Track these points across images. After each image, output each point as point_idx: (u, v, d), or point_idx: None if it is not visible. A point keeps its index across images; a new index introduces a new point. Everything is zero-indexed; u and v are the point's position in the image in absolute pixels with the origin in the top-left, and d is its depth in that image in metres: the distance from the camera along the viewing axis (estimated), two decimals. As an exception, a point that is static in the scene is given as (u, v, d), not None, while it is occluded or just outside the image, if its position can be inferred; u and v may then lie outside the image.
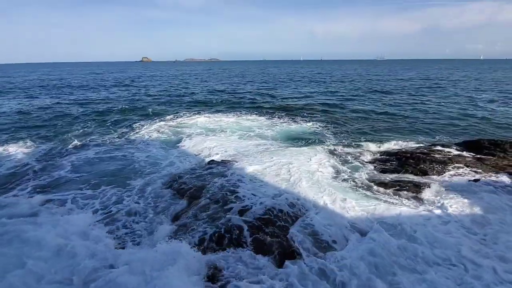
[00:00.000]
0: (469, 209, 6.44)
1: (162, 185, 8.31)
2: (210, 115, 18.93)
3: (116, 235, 5.90)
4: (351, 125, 16.25)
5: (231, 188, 7.42)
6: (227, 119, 17.74)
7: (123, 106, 22.37)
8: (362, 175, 8.59)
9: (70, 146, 12.27)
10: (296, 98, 27.41)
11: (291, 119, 17.72)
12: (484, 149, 10.02)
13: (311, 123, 16.60)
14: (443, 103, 23.15)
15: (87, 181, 8.64)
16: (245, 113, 19.53)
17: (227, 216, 6.09)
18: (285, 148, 11.74)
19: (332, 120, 17.44)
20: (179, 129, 15.14)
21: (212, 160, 10.01)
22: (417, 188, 7.36)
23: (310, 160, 9.92)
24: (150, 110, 20.98)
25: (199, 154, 11.16)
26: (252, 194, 7.11)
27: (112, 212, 6.85)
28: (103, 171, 9.56)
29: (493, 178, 7.97)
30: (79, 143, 12.58)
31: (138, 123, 16.79)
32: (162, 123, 16.76)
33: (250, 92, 32.61)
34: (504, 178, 7.92)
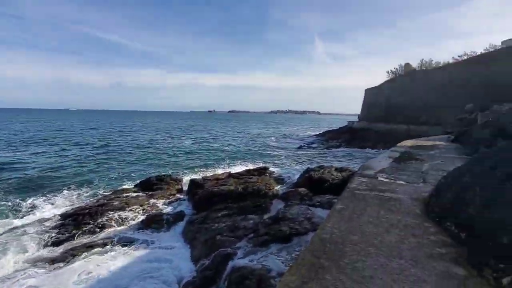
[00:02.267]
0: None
1: None
2: None
3: None
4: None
5: None
6: None
7: None
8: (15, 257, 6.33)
9: None
10: None
11: None
12: (154, 186, 11.90)
13: None
14: (130, 147, 25.59)
15: None
16: None
17: None
18: None
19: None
20: None
21: None
22: (88, 248, 6.71)
23: None
24: None
25: None
26: None
27: None
28: None
29: (156, 210, 9.53)
30: None
31: None
32: None
33: None
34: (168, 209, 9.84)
